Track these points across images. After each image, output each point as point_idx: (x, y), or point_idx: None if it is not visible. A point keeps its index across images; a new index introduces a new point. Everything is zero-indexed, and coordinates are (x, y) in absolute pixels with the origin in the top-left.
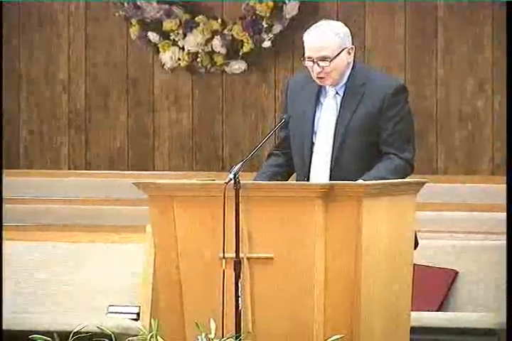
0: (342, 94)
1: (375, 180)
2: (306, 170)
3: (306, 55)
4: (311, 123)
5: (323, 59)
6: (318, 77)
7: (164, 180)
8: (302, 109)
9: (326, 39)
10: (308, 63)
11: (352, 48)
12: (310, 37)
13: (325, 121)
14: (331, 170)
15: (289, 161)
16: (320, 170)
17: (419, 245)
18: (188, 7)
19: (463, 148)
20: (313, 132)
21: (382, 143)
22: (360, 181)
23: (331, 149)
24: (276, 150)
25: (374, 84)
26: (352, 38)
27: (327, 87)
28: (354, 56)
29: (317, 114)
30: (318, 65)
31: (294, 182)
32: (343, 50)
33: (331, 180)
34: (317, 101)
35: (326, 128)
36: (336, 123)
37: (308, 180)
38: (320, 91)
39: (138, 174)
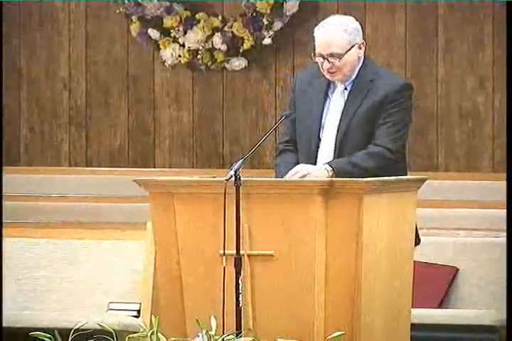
0: (350, 90)
1: (340, 164)
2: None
3: (316, 51)
4: (318, 119)
5: (333, 56)
6: (328, 72)
7: (165, 177)
8: (310, 105)
9: (335, 36)
10: (318, 59)
11: (363, 43)
12: (320, 33)
13: (332, 117)
14: None
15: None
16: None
17: (420, 242)
18: (188, 4)
19: (463, 146)
20: (320, 128)
21: (372, 135)
22: (326, 167)
23: (333, 145)
24: (288, 145)
25: (382, 80)
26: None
27: (336, 82)
28: (365, 51)
29: (325, 110)
30: (328, 61)
31: (295, 179)
32: (353, 46)
33: None
34: (325, 97)
35: (332, 123)
36: (340, 119)
37: None
38: (329, 86)
39: (138, 171)
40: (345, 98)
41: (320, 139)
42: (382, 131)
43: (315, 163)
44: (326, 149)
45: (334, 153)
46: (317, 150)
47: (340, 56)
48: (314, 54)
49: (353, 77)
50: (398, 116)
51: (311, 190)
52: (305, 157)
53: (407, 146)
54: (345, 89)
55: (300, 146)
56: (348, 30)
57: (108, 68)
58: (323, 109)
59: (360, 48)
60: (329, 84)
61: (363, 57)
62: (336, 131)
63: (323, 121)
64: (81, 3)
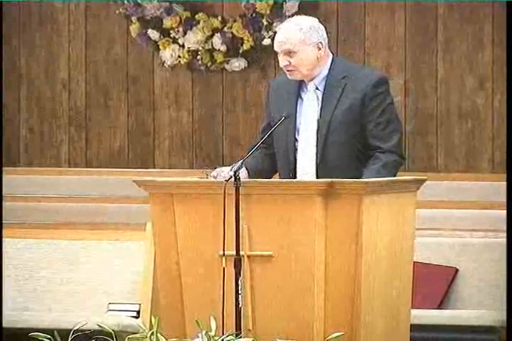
0: (323, 89)
1: None
2: (291, 168)
3: (274, 49)
4: (293, 121)
5: (287, 53)
6: (287, 71)
7: (164, 178)
8: (284, 107)
9: (288, 33)
10: (278, 58)
11: (321, 43)
12: (278, 31)
13: (307, 118)
14: (317, 167)
15: (274, 157)
16: (306, 167)
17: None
18: (188, 5)
19: (463, 146)
20: (295, 129)
21: (368, 136)
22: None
23: (315, 145)
24: (263, 146)
25: (355, 76)
26: (326, 33)
27: (307, 82)
28: (331, 50)
29: (299, 111)
30: (283, 58)
31: (294, 180)
32: (308, 44)
33: (317, 176)
34: (298, 98)
35: (309, 124)
36: (319, 119)
37: (294, 177)
38: (300, 87)
39: (138, 172)
40: (319, 99)
41: (297, 140)
42: (380, 133)
43: (295, 164)
44: (306, 151)
45: (316, 155)
46: (295, 153)
47: (293, 53)
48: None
49: (323, 76)
50: (388, 114)
51: (311, 191)
52: (284, 158)
53: (406, 147)
54: (317, 88)
55: (277, 148)
56: (303, 29)
57: (108, 69)
58: (296, 110)
59: (319, 48)
60: (301, 86)
61: (329, 57)
62: (315, 134)
63: (297, 122)
64: (81, 4)
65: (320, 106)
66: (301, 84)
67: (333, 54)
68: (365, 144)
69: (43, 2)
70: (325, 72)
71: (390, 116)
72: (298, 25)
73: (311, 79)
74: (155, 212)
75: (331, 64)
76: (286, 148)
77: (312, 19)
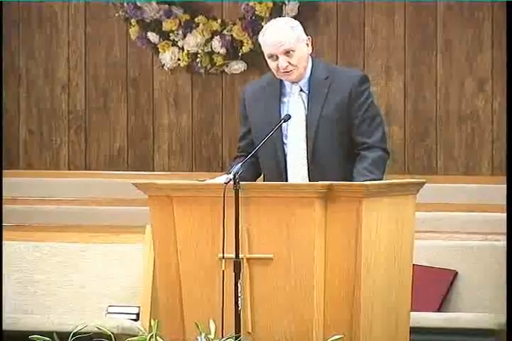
0: (307, 91)
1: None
2: (281, 172)
3: (267, 53)
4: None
5: (286, 53)
6: (284, 72)
7: (164, 181)
8: (266, 113)
9: (284, 33)
10: (271, 63)
11: (309, 39)
12: (267, 35)
13: (294, 120)
14: (308, 168)
15: (256, 164)
16: (297, 169)
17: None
18: (187, 7)
19: (463, 149)
20: (282, 133)
21: (354, 132)
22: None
23: (305, 147)
24: (242, 153)
25: (338, 76)
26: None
27: (287, 86)
28: (312, 48)
29: (283, 115)
30: (283, 60)
31: (294, 182)
32: (301, 42)
33: (309, 177)
34: (280, 103)
35: (297, 126)
36: (306, 121)
37: (286, 181)
38: (281, 92)
39: (137, 174)
40: (305, 100)
41: (285, 144)
42: (366, 128)
43: (285, 168)
44: (296, 154)
45: (307, 157)
46: (285, 157)
47: (292, 51)
48: (268, 58)
49: (306, 77)
50: (373, 110)
51: (310, 194)
52: (273, 162)
53: (405, 149)
54: (301, 90)
55: (264, 154)
56: (294, 27)
57: (107, 71)
58: (280, 115)
59: (307, 45)
60: (281, 90)
61: (310, 58)
62: (304, 136)
63: (283, 126)
64: (80, 6)
65: (306, 108)
66: (281, 89)
67: (311, 56)
68: (353, 142)
69: (43, 2)
70: (308, 73)
71: (374, 112)
72: (287, 24)
73: (295, 82)
74: (154, 214)
75: (312, 65)
76: (275, 152)
77: (292, 19)
